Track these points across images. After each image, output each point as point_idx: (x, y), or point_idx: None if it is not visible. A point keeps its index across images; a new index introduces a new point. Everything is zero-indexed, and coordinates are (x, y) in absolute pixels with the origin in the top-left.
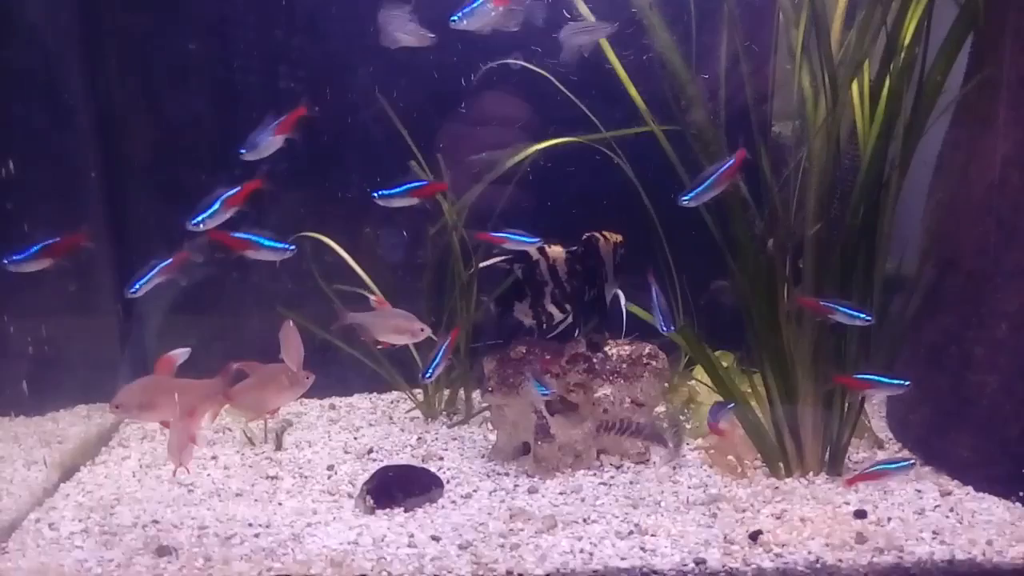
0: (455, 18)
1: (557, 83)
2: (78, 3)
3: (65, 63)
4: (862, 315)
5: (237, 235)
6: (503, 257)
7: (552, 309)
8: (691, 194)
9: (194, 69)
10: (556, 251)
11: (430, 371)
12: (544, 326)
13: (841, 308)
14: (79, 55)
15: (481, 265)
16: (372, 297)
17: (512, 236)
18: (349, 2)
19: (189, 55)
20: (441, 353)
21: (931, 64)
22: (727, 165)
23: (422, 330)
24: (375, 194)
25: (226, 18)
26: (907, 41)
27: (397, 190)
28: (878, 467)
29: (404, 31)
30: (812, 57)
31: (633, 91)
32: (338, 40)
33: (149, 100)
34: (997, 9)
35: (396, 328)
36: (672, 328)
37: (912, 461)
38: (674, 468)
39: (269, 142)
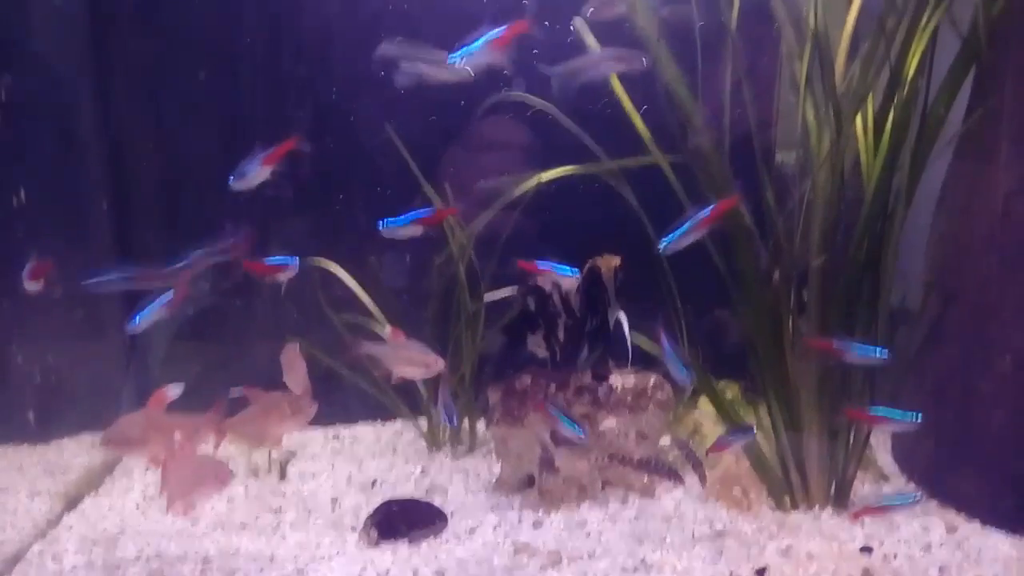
0: (453, 58)
1: (560, 114)
2: (89, 34)
3: (77, 94)
4: (877, 351)
5: (271, 261)
6: (513, 288)
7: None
8: (667, 240)
9: (205, 100)
10: (568, 281)
11: (454, 420)
12: (558, 358)
13: (855, 347)
14: (90, 86)
15: (492, 296)
16: (387, 328)
17: (555, 267)
18: (360, 33)
19: (200, 86)
20: (450, 401)
21: (934, 97)
22: (704, 213)
23: (436, 362)
24: (381, 224)
25: (237, 49)
26: (910, 75)
27: (403, 219)
28: (885, 501)
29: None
30: (816, 90)
31: (639, 122)
32: (348, 70)
33: (160, 131)
34: (999, 43)
35: (410, 360)
36: (691, 380)
37: (917, 495)
38: (679, 501)
39: (257, 172)
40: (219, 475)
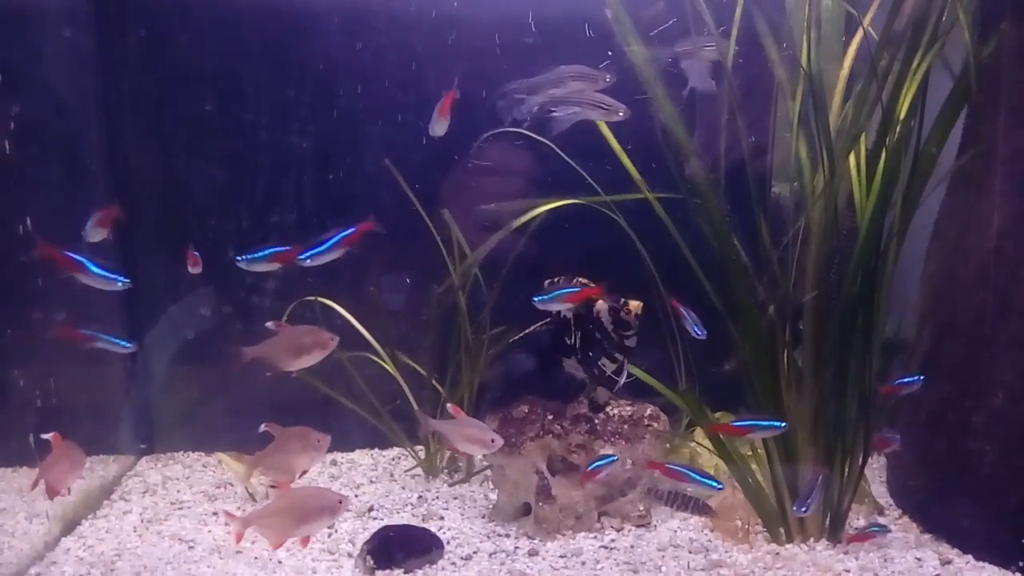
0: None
1: (557, 149)
2: (99, 66)
3: (85, 125)
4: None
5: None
6: (545, 320)
7: (604, 361)
8: (541, 298)
9: (212, 132)
10: (599, 304)
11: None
12: (599, 377)
13: (908, 380)
14: (99, 118)
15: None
16: (449, 406)
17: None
18: (365, 68)
19: (207, 118)
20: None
21: (926, 136)
22: (575, 290)
23: (492, 441)
24: (239, 259)
25: (243, 82)
26: (903, 115)
27: (260, 254)
28: (870, 529)
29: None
30: (809, 128)
31: (627, 161)
32: (352, 103)
33: (167, 163)
34: (990, 83)
35: (469, 438)
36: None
37: (887, 528)
38: (675, 531)
39: (93, 231)
40: (330, 506)
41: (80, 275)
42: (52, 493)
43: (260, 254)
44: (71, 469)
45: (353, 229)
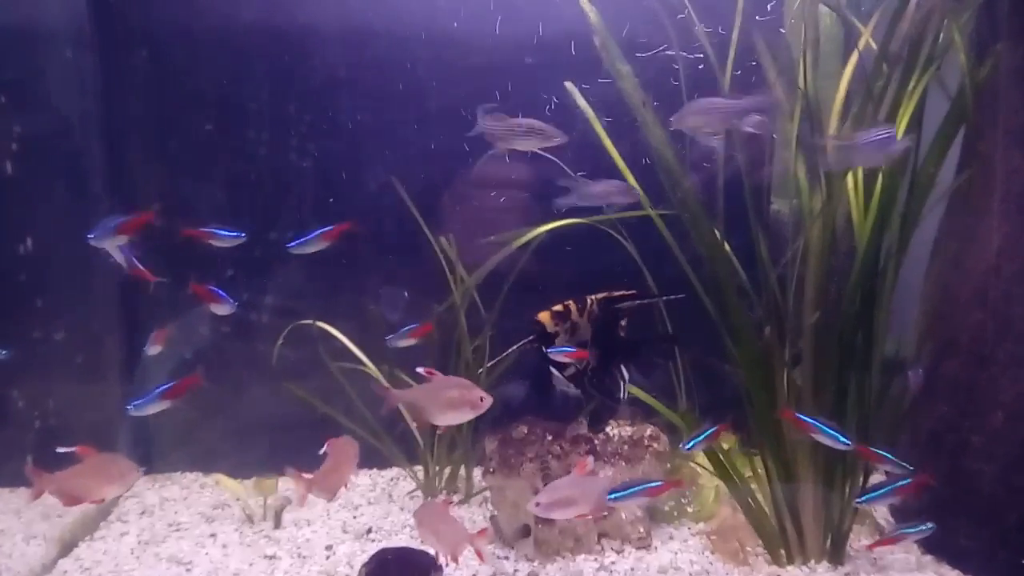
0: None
1: (564, 166)
2: (101, 86)
3: (88, 145)
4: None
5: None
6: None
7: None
8: (392, 338)
9: (213, 154)
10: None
11: None
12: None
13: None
14: (102, 138)
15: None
16: (582, 457)
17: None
18: (366, 87)
19: (210, 138)
20: None
21: (924, 156)
22: (414, 327)
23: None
24: (88, 236)
25: (246, 102)
26: (900, 135)
27: (102, 230)
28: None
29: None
30: (808, 148)
31: (632, 179)
32: (355, 123)
33: (172, 185)
34: (986, 105)
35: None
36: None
37: (931, 526)
38: (675, 553)
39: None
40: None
41: (215, 304)
42: (71, 502)
43: (107, 227)
44: (112, 480)
45: (177, 382)
